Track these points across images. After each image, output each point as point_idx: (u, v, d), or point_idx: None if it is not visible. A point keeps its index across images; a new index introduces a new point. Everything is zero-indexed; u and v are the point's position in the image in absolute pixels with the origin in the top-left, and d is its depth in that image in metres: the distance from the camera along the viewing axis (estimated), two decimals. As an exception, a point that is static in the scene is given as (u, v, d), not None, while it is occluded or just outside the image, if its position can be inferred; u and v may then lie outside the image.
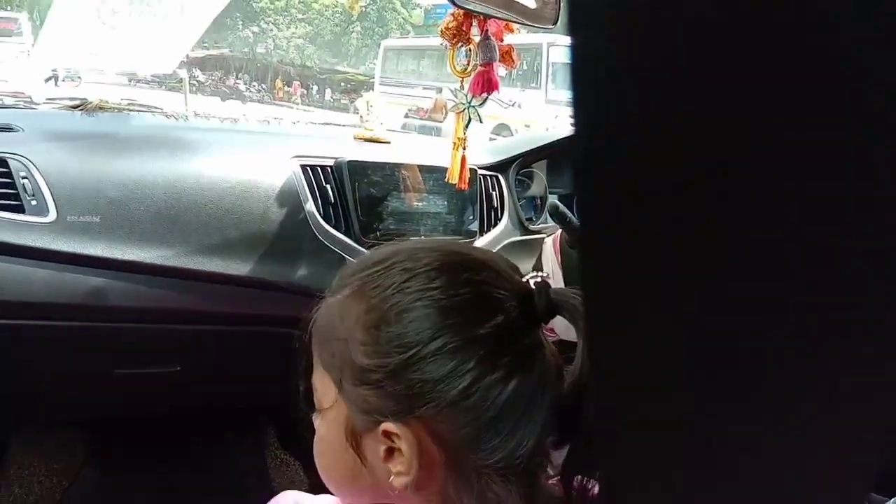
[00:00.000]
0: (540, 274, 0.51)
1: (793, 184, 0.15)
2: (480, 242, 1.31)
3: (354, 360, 0.45)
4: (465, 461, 0.44)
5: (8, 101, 1.25)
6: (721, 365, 0.18)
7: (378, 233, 1.16)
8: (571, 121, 0.17)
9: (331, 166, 1.16)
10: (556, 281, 1.37)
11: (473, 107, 1.07)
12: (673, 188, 0.16)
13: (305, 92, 13.08)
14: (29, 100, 1.29)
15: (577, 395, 0.45)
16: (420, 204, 1.23)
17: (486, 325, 0.44)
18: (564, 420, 0.45)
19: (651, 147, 0.16)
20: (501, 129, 8.90)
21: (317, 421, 0.51)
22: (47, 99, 1.29)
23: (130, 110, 1.32)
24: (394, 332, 0.44)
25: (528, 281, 0.50)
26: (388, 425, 0.44)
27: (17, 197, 0.90)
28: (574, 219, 1.29)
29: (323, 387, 0.49)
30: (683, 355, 0.18)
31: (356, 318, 0.46)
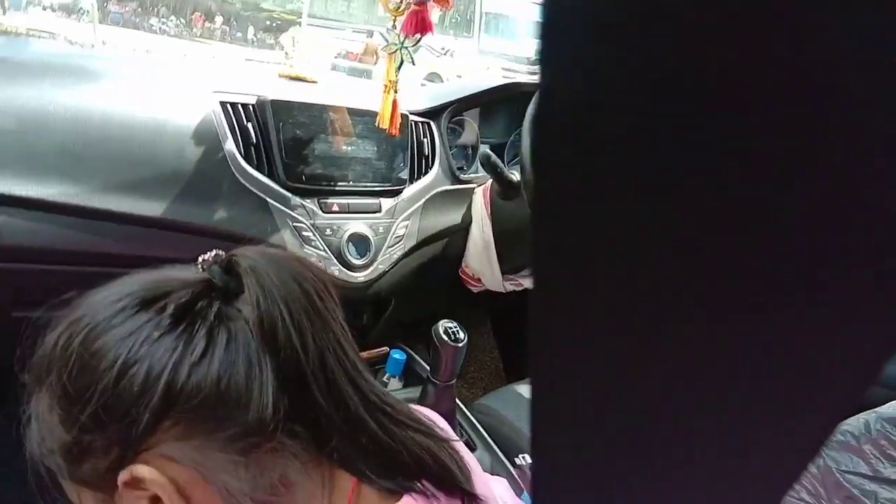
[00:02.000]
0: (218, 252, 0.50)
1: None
2: (410, 191, 1.28)
3: (62, 443, 0.42)
4: (221, 459, 0.42)
5: None
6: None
7: (304, 177, 1.12)
8: (538, 74, 0.16)
9: (253, 104, 1.09)
10: (486, 232, 1.37)
11: (406, 48, 1.03)
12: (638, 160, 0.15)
13: (227, 29, 12.40)
14: None
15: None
16: (348, 148, 1.18)
17: (161, 321, 0.42)
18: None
19: (618, 110, 0.15)
20: (433, 78, 8.76)
21: None
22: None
23: (30, 35, 1.20)
24: (76, 387, 0.41)
25: (202, 264, 0.49)
26: (122, 475, 0.41)
27: None
28: (505, 169, 1.29)
29: (70, 494, 0.46)
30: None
31: (46, 405, 0.43)
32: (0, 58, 0.97)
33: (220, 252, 0.49)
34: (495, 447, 1.13)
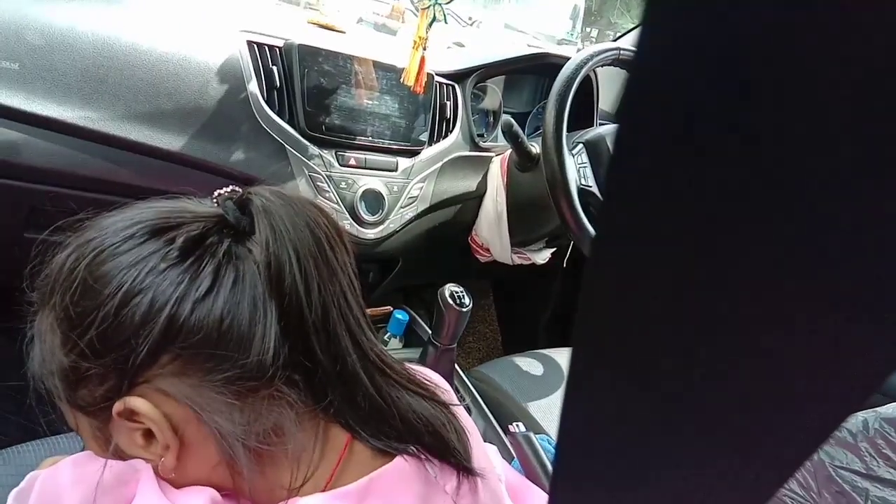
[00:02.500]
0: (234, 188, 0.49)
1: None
2: (428, 152, 1.28)
3: (61, 365, 0.42)
4: (216, 400, 0.42)
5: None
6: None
7: (324, 127, 1.11)
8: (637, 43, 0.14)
9: (279, 47, 1.08)
10: (500, 203, 1.37)
11: (440, 4, 1.01)
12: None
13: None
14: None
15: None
16: (371, 103, 1.17)
17: (169, 253, 0.41)
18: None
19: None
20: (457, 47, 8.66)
21: None
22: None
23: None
24: (77, 311, 0.41)
25: (217, 199, 0.48)
26: (117, 405, 0.41)
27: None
28: (526, 140, 1.27)
29: (66, 413, 0.47)
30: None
31: (48, 326, 0.43)
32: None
33: (238, 188, 0.48)
34: (489, 413, 1.13)
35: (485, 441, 0.69)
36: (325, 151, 1.12)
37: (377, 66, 1.17)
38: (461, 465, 0.50)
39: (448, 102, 1.32)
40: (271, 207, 0.45)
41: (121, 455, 0.45)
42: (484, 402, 1.16)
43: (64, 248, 0.45)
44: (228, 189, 0.48)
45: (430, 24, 1.05)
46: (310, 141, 1.09)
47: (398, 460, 0.47)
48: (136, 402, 0.41)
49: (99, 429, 0.44)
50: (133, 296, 0.40)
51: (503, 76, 1.48)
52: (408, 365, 0.55)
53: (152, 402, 0.41)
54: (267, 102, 1.04)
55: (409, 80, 1.09)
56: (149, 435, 0.43)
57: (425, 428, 0.49)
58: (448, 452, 0.49)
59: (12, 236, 0.93)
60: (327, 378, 0.45)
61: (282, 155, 1.07)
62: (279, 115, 1.06)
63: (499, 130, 1.43)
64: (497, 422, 1.11)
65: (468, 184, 1.39)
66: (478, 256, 1.50)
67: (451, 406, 0.54)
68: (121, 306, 0.40)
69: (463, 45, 1.87)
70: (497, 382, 1.22)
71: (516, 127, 1.25)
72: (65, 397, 0.44)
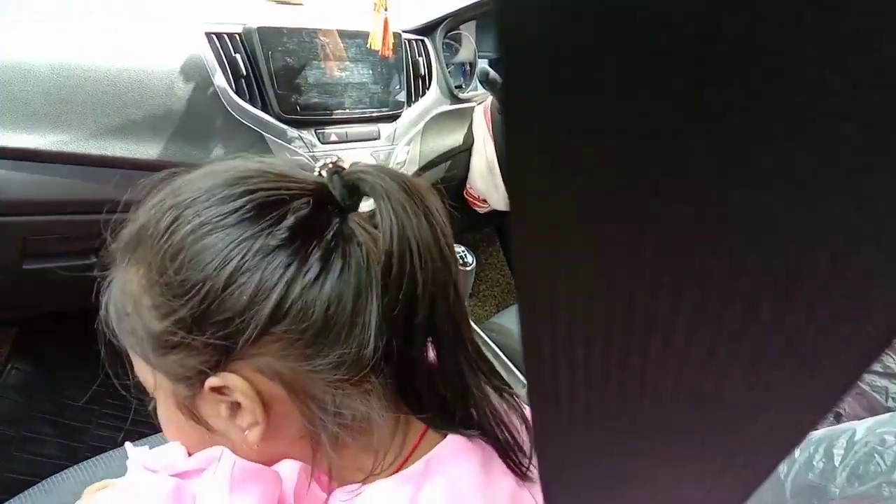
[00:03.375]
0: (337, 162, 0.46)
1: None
2: (408, 114, 1.25)
3: (151, 329, 0.40)
4: (311, 385, 0.41)
5: None
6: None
7: (298, 107, 1.09)
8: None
9: (239, 34, 1.05)
10: (489, 152, 1.35)
11: (393, -38, 0.98)
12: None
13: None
14: None
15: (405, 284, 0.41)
16: (342, 74, 1.15)
17: (277, 232, 0.39)
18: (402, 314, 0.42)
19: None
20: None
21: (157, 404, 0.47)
22: None
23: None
24: (178, 279, 0.39)
25: (321, 174, 0.46)
26: (212, 380, 0.40)
27: None
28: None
29: (140, 369, 0.45)
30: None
31: (137, 284, 0.41)
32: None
33: (340, 162, 0.45)
34: (510, 363, 1.15)
35: (510, 392, 0.70)
36: (304, 132, 1.10)
37: (342, 34, 1.14)
38: (519, 464, 0.49)
39: (420, 59, 1.29)
40: (391, 193, 0.42)
41: (197, 419, 0.44)
42: (503, 353, 1.17)
43: (153, 201, 0.42)
44: (332, 161, 0.45)
45: (387, -16, 1.02)
46: (287, 124, 1.08)
47: (451, 437, 0.47)
48: (234, 380, 0.40)
49: (178, 395, 0.43)
50: (241, 274, 0.38)
51: (473, 21, 1.44)
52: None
53: (246, 378, 0.40)
54: (236, 93, 1.02)
55: (376, 44, 1.06)
56: (235, 406, 0.42)
57: (495, 420, 0.49)
58: (511, 450, 0.49)
59: (11, 270, 0.93)
60: (418, 373, 0.45)
61: (261, 143, 1.05)
62: (251, 103, 1.04)
63: (477, 80, 1.40)
64: (520, 373, 1.13)
65: (454, 138, 1.37)
66: (476, 209, 1.49)
67: (517, 396, 0.53)
68: (227, 284, 0.38)
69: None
70: (513, 331, 1.23)
71: (493, 73, 1.22)
72: (151, 360, 0.42)
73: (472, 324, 1.17)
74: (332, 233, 0.41)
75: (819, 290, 0.14)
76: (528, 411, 0.54)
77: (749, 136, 0.12)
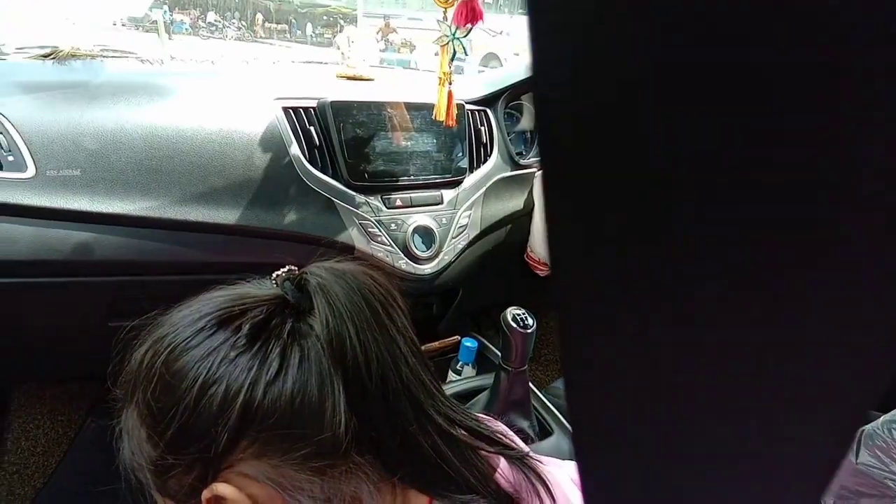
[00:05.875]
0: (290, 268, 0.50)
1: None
2: (470, 180, 1.29)
3: (150, 459, 0.44)
4: (296, 477, 0.43)
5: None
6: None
7: (366, 175, 1.14)
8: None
9: (314, 108, 1.13)
10: (549, 215, 1.36)
11: (458, 39, 1.03)
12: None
13: (287, 28, 12.70)
14: (-4, 50, 1.24)
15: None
16: (408, 143, 1.20)
17: (238, 341, 0.43)
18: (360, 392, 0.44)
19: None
20: (490, 60, 8.68)
21: None
22: (17, 49, 1.23)
23: (104, 57, 1.27)
24: (158, 407, 0.43)
25: (276, 280, 0.49)
26: (205, 494, 0.43)
27: (-8, 153, 0.87)
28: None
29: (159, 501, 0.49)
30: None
31: (134, 422, 0.45)
32: (79, 81, 1.04)
33: (294, 268, 0.50)
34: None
35: (572, 460, 0.69)
36: (371, 198, 1.15)
37: (409, 106, 1.20)
38: None
39: (482, 128, 1.33)
40: (326, 285, 0.47)
41: None
42: (565, 418, 1.15)
43: (141, 345, 0.47)
44: (285, 270, 0.50)
45: (453, 59, 1.07)
46: (355, 191, 1.13)
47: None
48: (223, 489, 0.43)
49: None
50: (209, 386, 0.42)
51: (534, 91, 1.48)
52: (481, 417, 0.56)
53: (237, 485, 0.43)
54: (310, 162, 1.09)
55: (441, 115, 1.11)
56: None
57: (489, 486, 0.50)
58: None
59: (98, 326, 1.00)
60: (392, 447, 0.46)
61: (331, 209, 1.11)
62: (323, 171, 1.10)
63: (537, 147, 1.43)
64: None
65: (515, 203, 1.40)
66: (537, 272, 1.50)
67: (530, 458, 0.54)
68: (199, 398, 0.42)
69: (497, 57, 1.87)
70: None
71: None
72: (156, 488, 0.46)
73: (533, 388, 1.17)
74: (287, 331, 0.45)
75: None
76: (545, 470, 0.55)
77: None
